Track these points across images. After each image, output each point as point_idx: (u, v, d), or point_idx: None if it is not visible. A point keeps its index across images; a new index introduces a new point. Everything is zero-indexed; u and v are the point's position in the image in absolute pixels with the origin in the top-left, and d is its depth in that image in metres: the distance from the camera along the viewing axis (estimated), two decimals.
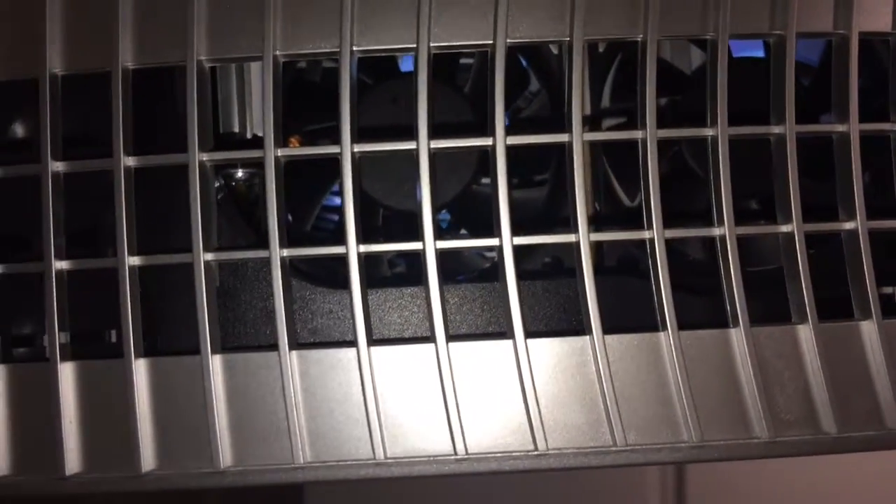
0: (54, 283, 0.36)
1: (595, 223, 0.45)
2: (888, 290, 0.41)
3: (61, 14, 0.38)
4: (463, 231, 0.50)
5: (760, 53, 0.47)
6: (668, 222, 0.37)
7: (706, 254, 0.45)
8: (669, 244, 0.37)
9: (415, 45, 0.37)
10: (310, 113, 0.47)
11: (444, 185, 0.44)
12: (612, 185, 0.46)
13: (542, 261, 0.45)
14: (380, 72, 0.48)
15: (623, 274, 0.42)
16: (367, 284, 0.37)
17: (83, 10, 0.38)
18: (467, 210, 0.48)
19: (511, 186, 0.39)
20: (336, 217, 0.49)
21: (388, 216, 0.47)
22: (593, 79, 0.47)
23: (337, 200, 0.47)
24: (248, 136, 0.45)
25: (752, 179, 0.40)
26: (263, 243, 0.37)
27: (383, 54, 0.38)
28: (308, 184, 0.47)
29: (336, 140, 0.37)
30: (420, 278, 0.37)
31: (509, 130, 0.37)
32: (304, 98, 0.49)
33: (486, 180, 0.48)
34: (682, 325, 0.36)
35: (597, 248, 0.44)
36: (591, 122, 0.48)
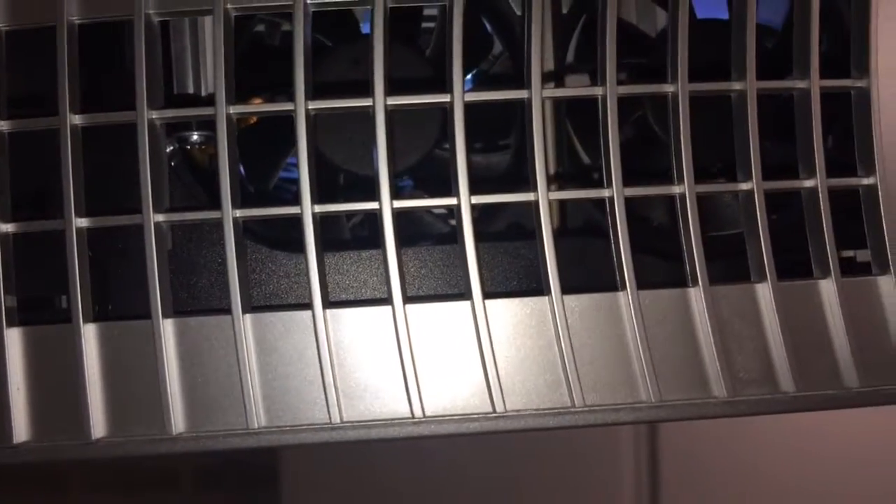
0: (11, 246, 0.35)
1: (557, 183, 0.45)
2: (849, 253, 0.41)
3: None
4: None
5: (725, 16, 0.46)
6: (628, 182, 0.37)
7: (668, 217, 0.45)
8: (630, 204, 0.37)
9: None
10: (268, 76, 0.46)
11: (405, 151, 0.43)
12: (574, 145, 0.45)
13: (504, 224, 0.45)
14: (340, 34, 0.47)
15: (584, 235, 0.41)
16: (324, 247, 0.36)
17: None
18: (430, 176, 0.47)
19: (474, 150, 0.39)
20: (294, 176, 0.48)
21: (349, 182, 0.47)
22: (557, 41, 0.47)
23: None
24: (204, 96, 0.44)
25: (714, 140, 0.40)
26: (216, 204, 0.36)
27: (338, 8, 0.37)
28: (267, 147, 0.46)
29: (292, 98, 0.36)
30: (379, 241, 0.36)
31: (470, 91, 0.37)
32: (262, 60, 0.48)
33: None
34: (642, 284, 0.36)
35: (559, 209, 0.43)
36: (555, 82, 0.48)
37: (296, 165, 0.46)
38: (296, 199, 0.36)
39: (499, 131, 0.50)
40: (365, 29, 0.49)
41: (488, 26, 0.51)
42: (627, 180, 0.37)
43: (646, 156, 0.45)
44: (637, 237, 0.37)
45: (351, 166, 0.43)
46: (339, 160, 0.43)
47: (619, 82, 0.36)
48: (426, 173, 0.46)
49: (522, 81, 0.37)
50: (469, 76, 0.52)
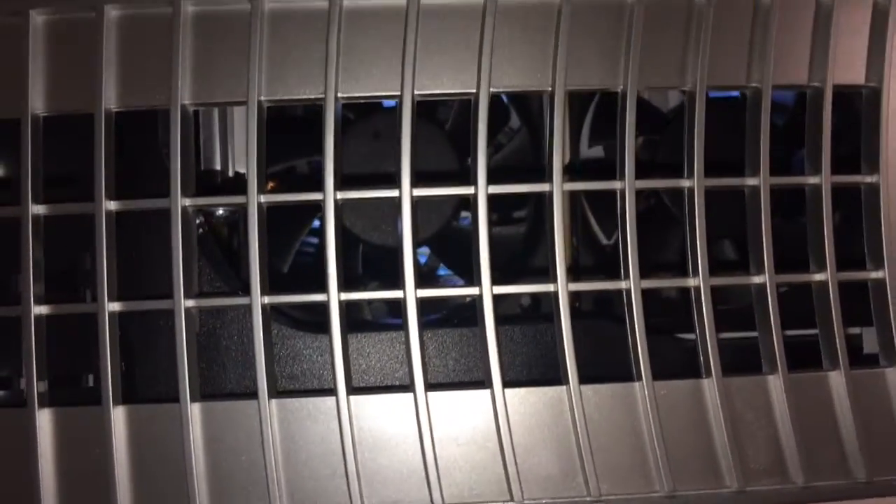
0: (32, 328, 0.36)
1: (573, 265, 0.46)
2: (855, 330, 0.42)
3: (44, 55, 0.38)
4: (442, 267, 0.50)
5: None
6: (643, 260, 0.38)
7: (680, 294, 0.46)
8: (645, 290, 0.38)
9: (398, 93, 0.38)
10: (290, 147, 0.47)
11: (424, 222, 0.44)
12: (589, 224, 0.46)
13: (520, 302, 0.46)
14: (361, 107, 0.48)
15: (599, 317, 0.42)
16: (347, 330, 0.37)
17: (66, 52, 0.38)
18: (447, 245, 0.48)
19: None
20: (314, 240, 0.49)
21: (367, 250, 0.48)
22: (572, 120, 0.48)
23: (316, 223, 0.47)
24: (231, 173, 0.45)
25: (727, 221, 0.41)
26: (245, 288, 0.37)
27: (367, 101, 0.39)
28: (288, 219, 0.47)
29: (318, 182, 0.37)
30: (398, 318, 0.37)
31: (491, 174, 0.38)
32: (285, 130, 0.49)
33: (465, 214, 0.49)
34: (657, 375, 0.37)
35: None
36: (570, 156, 0.49)
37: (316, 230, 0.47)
38: (318, 272, 0.36)
39: (514, 203, 0.51)
40: (386, 103, 0.50)
41: (504, 98, 0.53)
42: (642, 260, 0.38)
43: (659, 231, 0.46)
44: (652, 322, 0.38)
45: (371, 238, 0.45)
46: (358, 231, 0.44)
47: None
48: (443, 241, 0.47)
49: (539, 153, 0.38)
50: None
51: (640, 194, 0.39)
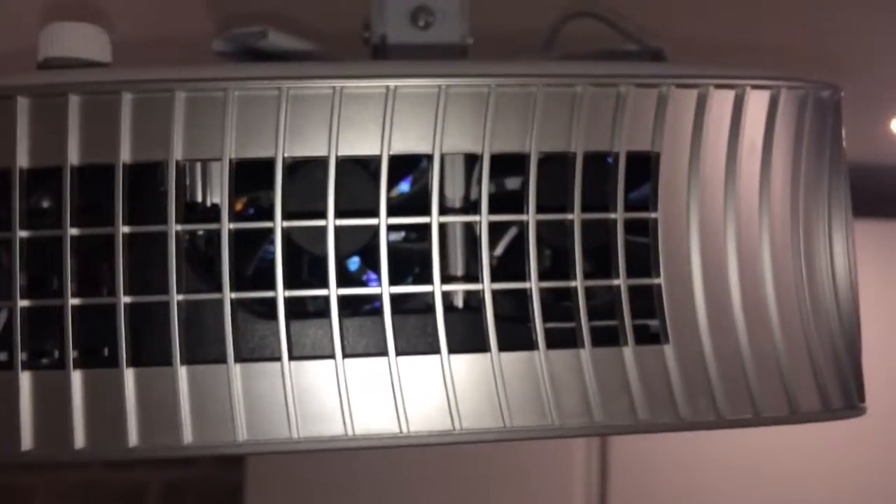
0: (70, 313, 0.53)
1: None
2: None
3: (80, 118, 0.54)
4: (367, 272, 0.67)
5: None
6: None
7: None
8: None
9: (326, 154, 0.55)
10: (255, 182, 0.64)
11: (348, 240, 0.61)
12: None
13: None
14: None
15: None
16: (289, 317, 0.54)
17: (97, 119, 0.54)
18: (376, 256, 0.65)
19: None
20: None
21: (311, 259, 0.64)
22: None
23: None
24: (209, 204, 0.61)
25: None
26: (219, 288, 0.53)
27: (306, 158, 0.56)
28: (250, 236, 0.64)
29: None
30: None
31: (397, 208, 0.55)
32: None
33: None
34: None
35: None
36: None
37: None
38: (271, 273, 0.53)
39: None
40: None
41: None
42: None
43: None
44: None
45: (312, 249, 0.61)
46: (303, 243, 0.61)
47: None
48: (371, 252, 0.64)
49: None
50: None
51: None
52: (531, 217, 0.56)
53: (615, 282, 0.57)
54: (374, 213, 0.56)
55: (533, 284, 0.56)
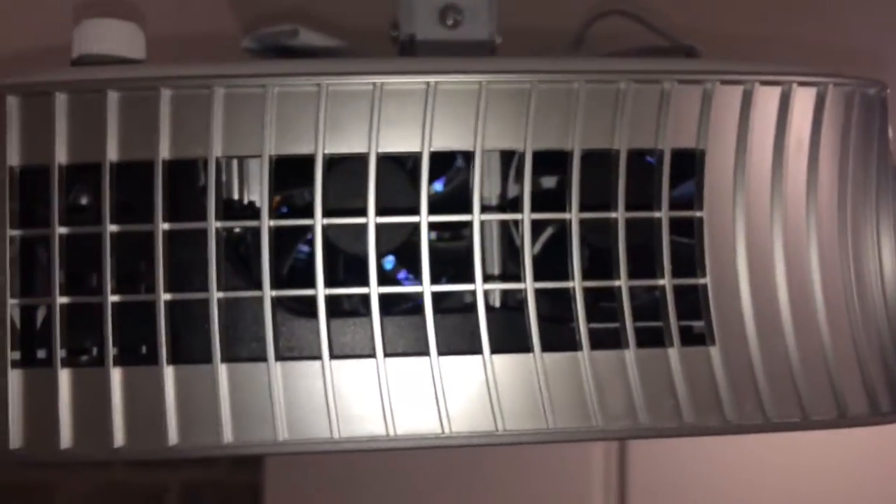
0: (110, 311, 0.52)
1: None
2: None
3: (118, 114, 0.54)
4: (403, 271, 0.66)
5: None
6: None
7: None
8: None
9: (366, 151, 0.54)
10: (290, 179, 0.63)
11: (390, 233, 0.60)
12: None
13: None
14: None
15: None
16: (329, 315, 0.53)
17: (135, 115, 0.54)
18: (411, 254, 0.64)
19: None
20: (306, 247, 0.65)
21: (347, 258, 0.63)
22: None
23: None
24: (245, 201, 0.61)
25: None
26: (258, 286, 0.53)
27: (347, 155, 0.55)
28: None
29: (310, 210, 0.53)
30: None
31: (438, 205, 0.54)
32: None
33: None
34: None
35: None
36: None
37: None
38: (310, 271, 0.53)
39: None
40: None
41: None
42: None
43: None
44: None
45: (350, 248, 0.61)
46: (339, 243, 0.60)
47: None
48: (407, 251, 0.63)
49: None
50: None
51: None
52: (574, 215, 0.55)
53: (661, 282, 0.56)
54: (411, 211, 0.55)
55: (577, 284, 0.55)
